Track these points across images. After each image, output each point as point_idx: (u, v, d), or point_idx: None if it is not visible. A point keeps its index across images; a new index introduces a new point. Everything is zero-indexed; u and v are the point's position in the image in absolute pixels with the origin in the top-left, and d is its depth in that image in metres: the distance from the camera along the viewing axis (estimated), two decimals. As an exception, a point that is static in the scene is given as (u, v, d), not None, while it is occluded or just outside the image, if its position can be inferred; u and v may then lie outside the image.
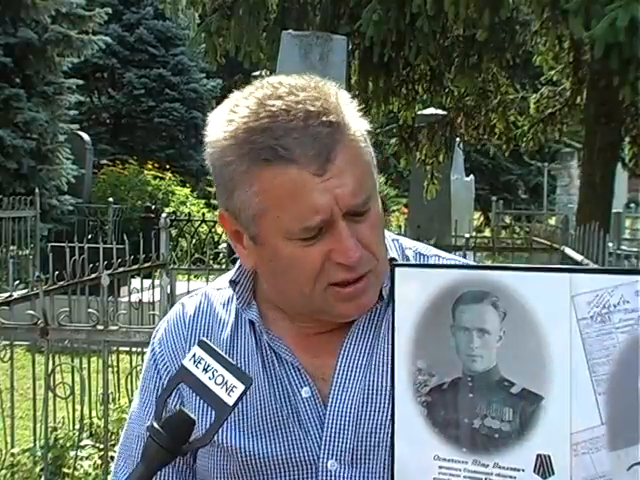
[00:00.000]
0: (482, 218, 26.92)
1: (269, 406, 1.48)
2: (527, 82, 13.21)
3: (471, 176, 22.08)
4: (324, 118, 1.36)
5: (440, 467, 1.23)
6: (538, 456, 1.17)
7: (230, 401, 1.28)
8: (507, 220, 23.28)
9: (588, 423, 1.15)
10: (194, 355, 1.32)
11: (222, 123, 1.41)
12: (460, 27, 8.91)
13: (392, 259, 1.53)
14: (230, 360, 1.34)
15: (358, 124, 1.43)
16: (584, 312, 1.15)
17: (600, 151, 11.38)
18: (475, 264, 1.30)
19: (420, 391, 1.26)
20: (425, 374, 1.25)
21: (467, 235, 13.15)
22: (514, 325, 1.19)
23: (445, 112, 12.95)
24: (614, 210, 13.60)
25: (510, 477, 1.18)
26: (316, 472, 1.45)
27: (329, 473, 1.45)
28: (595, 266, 6.68)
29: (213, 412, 1.30)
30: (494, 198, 21.86)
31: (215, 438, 1.39)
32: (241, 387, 1.28)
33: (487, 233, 22.27)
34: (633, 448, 1.13)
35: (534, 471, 1.17)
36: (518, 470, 1.18)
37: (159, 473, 1.40)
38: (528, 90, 13.21)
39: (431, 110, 13.07)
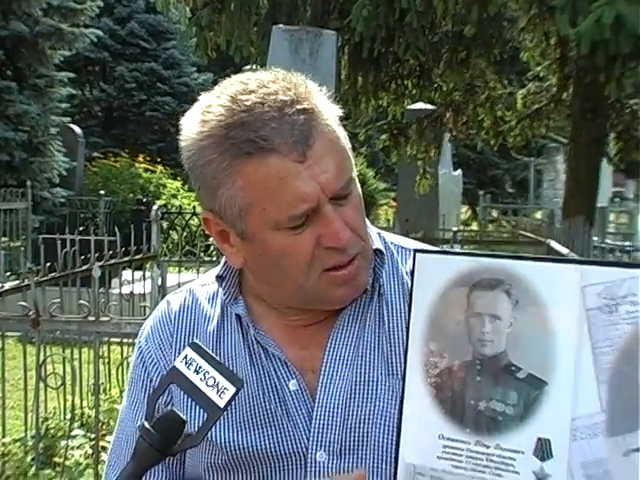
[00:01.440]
0: (469, 212, 26.99)
1: (257, 400, 1.48)
2: (514, 78, 13.29)
3: (459, 170, 22.18)
4: (298, 106, 1.36)
5: (444, 446, 1.26)
6: (538, 439, 1.19)
7: (221, 403, 1.28)
8: (494, 214, 23.33)
9: (589, 410, 1.17)
10: (186, 356, 1.32)
11: (197, 125, 1.41)
12: (449, 23, 8.93)
13: (378, 250, 1.54)
14: (221, 362, 1.34)
15: (330, 109, 1.43)
16: (593, 303, 1.18)
17: (586, 146, 11.44)
18: (491, 253, 1.30)
19: (430, 372, 1.28)
20: (436, 356, 1.28)
21: (454, 228, 13.23)
22: (525, 312, 1.21)
23: (434, 107, 12.98)
24: (599, 204, 13.67)
25: (510, 458, 1.20)
26: (305, 463, 1.45)
27: (318, 464, 1.45)
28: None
29: (203, 412, 1.30)
30: (481, 192, 21.97)
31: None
32: (232, 389, 1.28)
33: (474, 227, 22.32)
34: (630, 435, 1.14)
35: (533, 453, 1.19)
36: (518, 452, 1.20)
37: (150, 471, 1.42)
38: (515, 86, 13.29)
39: (420, 105, 13.10)
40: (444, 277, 1.28)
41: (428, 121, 12.96)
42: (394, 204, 20.57)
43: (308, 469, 1.45)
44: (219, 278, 1.56)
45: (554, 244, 9.71)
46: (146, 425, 1.29)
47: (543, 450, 1.18)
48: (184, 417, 1.30)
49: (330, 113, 1.43)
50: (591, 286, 1.18)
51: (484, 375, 1.24)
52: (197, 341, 1.36)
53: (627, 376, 1.16)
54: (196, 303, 1.59)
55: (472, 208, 26.18)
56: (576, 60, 10.18)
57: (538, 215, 22.31)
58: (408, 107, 12.78)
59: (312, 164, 1.35)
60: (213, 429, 1.43)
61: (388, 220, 16.64)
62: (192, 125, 1.42)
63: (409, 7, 8.60)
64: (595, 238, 11.45)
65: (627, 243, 13.84)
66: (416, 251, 1.34)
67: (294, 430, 1.46)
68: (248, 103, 1.36)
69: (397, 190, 18.81)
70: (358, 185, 1.47)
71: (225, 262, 1.57)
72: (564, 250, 8.80)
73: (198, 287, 1.62)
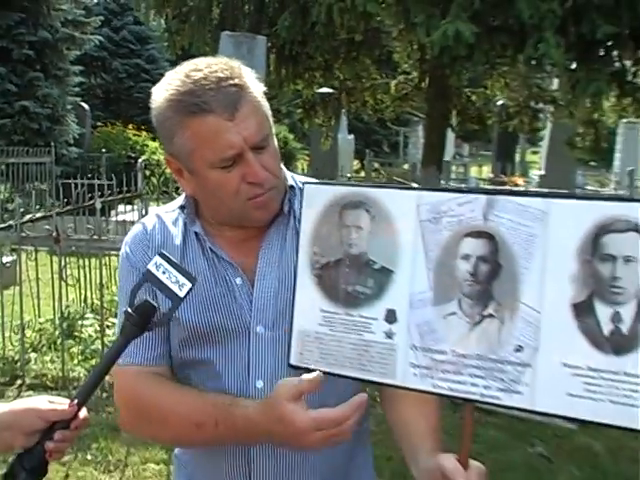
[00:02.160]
0: (359, 164, 26.89)
1: (214, 291, 1.46)
2: (389, 71, 13.21)
3: (352, 135, 22.12)
4: (231, 81, 1.35)
5: (323, 317, 1.28)
6: (387, 310, 1.22)
7: (181, 294, 1.29)
8: (376, 165, 23.29)
9: (421, 288, 1.20)
10: (156, 262, 1.31)
11: (161, 93, 1.40)
12: (344, 32, 8.80)
13: (291, 186, 1.53)
14: (181, 265, 1.33)
15: (256, 87, 1.41)
16: (424, 216, 1.19)
17: (436, 120, 11.47)
18: (356, 183, 1.31)
19: (314, 267, 1.29)
20: (318, 255, 1.29)
21: (349, 175, 13.27)
22: (379, 224, 1.23)
23: (334, 90, 12.89)
24: (445, 159, 13.78)
25: (369, 323, 1.23)
26: (249, 334, 1.44)
27: (257, 335, 1.45)
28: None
29: (170, 301, 1.30)
30: (367, 150, 21.91)
31: (176, 315, 1.40)
32: (189, 284, 1.29)
33: (362, 174, 22.27)
34: (447, 304, 1.18)
35: (384, 319, 1.22)
36: (374, 319, 1.23)
37: (151, 338, 1.43)
38: (390, 77, 13.22)
39: (325, 89, 12.95)
40: (323, 201, 1.29)
41: (330, 100, 12.86)
42: (307, 158, 20.44)
43: (250, 338, 1.44)
44: (181, 207, 1.54)
45: (415, 186, 9.76)
46: (129, 310, 1.29)
47: (391, 317, 1.21)
48: (155, 304, 1.30)
49: (256, 88, 1.40)
50: (423, 205, 1.20)
51: (351, 268, 1.25)
52: (163, 251, 1.35)
53: (445, 265, 1.18)
54: (163, 225, 1.54)
55: (361, 161, 26.04)
56: (430, 60, 10.17)
57: (405, 166, 22.42)
58: (317, 90, 12.65)
59: (239, 122, 1.34)
60: (184, 312, 1.43)
61: (303, 169, 16.63)
62: (158, 93, 1.41)
63: (317, 20, 8.47)
64: (442, 182, 11.62)
65: (463, 185, 14.06)
66: (304, 183, 1.35)
67: (240, 311, 1.45)
68: (196, 77, 1.35)
69: (310, 149, 18.75)
70: (275, 141, 1.45)
71: (185, 196, 1.54)
72: (421, 189, 8.86)
73: (163, 213, 1.58)
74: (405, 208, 1.21)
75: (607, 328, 1.06)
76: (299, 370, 1.29)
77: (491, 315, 1.14)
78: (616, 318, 1.05)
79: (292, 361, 1.33)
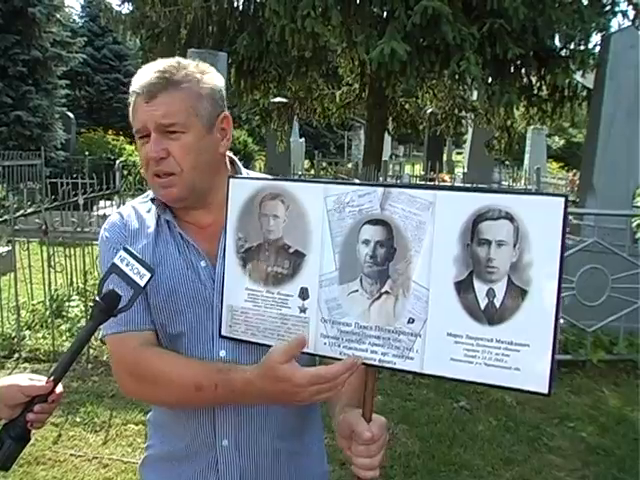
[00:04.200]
0: (309, 163, 26.79)
1: (182, 271, 1.42)
2: (335, 83, 13.22)
3: (302, 138, 22.05)
4: (166, 75, 1.36)
5: (248, 294, 1.27)
6: (301, 288, 1.22)
7: (142, 283, 1.27)
8: (324, 164, 23.24)
9: (329, 269, 1.19)
10: (120, 256, 1.29)
11: None
12: (295, 50, 8.77)
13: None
14: (142, 258, 1.31)
15: (199, 89, 1.39)
16: (330, 206, 1.19)
17: (375, 125, 11.55)
18: (274, 177, 1.31)
19: (239, 251, 1.28)
20: (242, 241, 1.28)
21: (300, 173, 13.22)
22: (293, 213, 1.22)
23: (287, 100, 12.86)
24: (383, 159, 13.84)
25: (285, 299, 1.23)
26: (212, 307, 1.40)
27: (217, 306, 1.38)
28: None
29: (132, 290, 1.29)
30: (316, 151, 21.84)
31: (154, 295, 1.39)
32: (148, 275, 1.28)
33: (312, 172, 22.22)
34: (351, 283, 1.18)
35: (298, 296, 1.22)
36: (290, 295, 1.22)
37: (138, 309, 1.38)
38: (335, 88, 13.24)
39: (279, 98, 12.90)
40: (246, 192, 1.27)
41: (283, 109, 12.83)
42: (264, 159, 20.27)
43: (214, 312, 1.39)
44: (152, 199, 1.49)
45: (357, 182, 9.82)
46: (97, 298, 1.27)
47: (304, 294, 1.21)
48: (120, 293, 1.27)
49: (190, 89, 1.38)
50: (329, 197, 1.19)
51: (270, 251, 1.25)
52: (128, 246, 1.33)
53: (349, 249, 1.18)
54: (137, 214, 1.49)
55: (311, 161, 25.98)
56: (370, 74, 10.22)
57: (349, 165, 22.44)
58: (272, 100, 12.60)
59: (152, 105, 1.35)
60: (160, 291, 1.40)
61: (260, 169, 16.56)
62: None
63: (272, 39, 8.43)
64: (381, 179, 11.67)
65: (399, 182, 14.13)
66: (229, 177, 1.32)
67: (204, 289, 1.41)
68: (146, 70, 1.39)
69: (266, 150, 18.64)
70: (199, 140, 1.39)
71: None
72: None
73: (138, 204, 1.52)
74: (314, 199, 1.20)
75: (483, 302, 1.08)
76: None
77: (387, 292, 1.14)
78: (490, 294, 1.07)
79: (223, 332, 1.31)
